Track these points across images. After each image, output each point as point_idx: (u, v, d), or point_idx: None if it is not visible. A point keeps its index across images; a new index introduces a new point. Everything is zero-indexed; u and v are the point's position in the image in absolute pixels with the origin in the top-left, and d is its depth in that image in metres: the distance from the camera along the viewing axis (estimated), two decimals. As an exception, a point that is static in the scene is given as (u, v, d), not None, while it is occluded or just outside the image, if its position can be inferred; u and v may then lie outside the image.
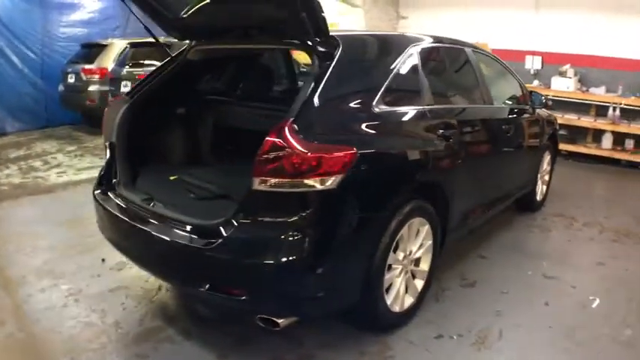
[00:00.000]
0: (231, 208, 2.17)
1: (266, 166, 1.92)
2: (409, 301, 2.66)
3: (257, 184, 1.94)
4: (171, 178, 2.89)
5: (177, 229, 2.22)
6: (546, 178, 4.89)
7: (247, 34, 2.65)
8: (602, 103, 7.08)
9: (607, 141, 7.13)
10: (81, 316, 2.73)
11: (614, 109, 6.87)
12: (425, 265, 2.76)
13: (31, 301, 2.88)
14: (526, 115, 4.07)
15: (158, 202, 2.47)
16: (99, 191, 2.77)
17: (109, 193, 2.71)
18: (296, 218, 1.95)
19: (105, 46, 7.61)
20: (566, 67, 7.44)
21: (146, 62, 6.68)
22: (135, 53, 6.88)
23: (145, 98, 2.88)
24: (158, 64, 6.40)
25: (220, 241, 1.98)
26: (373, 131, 2.26)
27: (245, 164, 3.23)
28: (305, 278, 1.98)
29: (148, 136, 2.98)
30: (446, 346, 2.54)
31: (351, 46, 2.37)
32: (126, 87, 6.62)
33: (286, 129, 1.92)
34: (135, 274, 3.20)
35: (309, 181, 1.92)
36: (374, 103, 2.33)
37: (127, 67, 6.69)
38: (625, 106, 6.83)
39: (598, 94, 7.16)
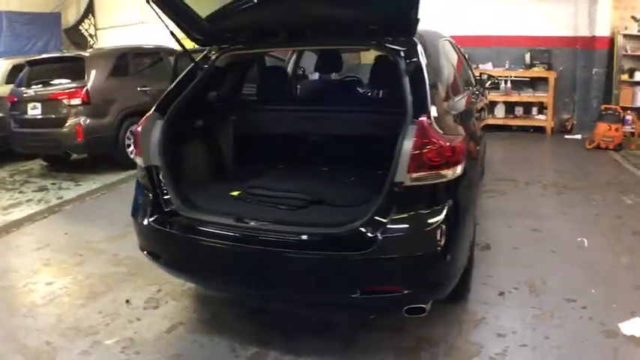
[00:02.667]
0: (344, 210, 2.21)
1: (414, 162, 2.01)
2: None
3: (409, 181, 2.02)
4: (234, 193, 2.71)
5: (306, 242, 2.16)
6: (482, 147, 5.59)
7: (293, 36, 2.62)
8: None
9: (500, 111, 8.27)
10: (159, 368, 2.42)
11: (506, 81, 7.97)
12: (469, 235, 3.07)
13: (84, 369, 2.45)
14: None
15: (249, 220, 2.33)
16: (153, 219, 2.49)
17: (170, 221, 2.47)
18: (440, 207, 2.09)
19: (-12, 67, 6.59)
20: (456, 48, 8.38)
21: (54, 80, 5.90)
22: (34, 72, 6.03)
23: (177, 112, 2.66)
24: (68, 81, 5.83)
25: (380, 241, 2.00)
26: (459, 120, 2.47)
27: (302, 167, 3.17)
28: (452, 260, 2.14)
29: (182, 152, 2.78)
30: (514, 299, 2.88)
31: (425, 43, 2.50)
32: (35, 109, 5.78)
33: (427, 125, 2.03)
34: (178, 307, 2.95)
35: (444, 172, 2.06)
36: (450, 94, 2.54)
37: (35, 86, 5.84)
38: (514, 78, 7.97)
39: (488, 69, 8.21)
